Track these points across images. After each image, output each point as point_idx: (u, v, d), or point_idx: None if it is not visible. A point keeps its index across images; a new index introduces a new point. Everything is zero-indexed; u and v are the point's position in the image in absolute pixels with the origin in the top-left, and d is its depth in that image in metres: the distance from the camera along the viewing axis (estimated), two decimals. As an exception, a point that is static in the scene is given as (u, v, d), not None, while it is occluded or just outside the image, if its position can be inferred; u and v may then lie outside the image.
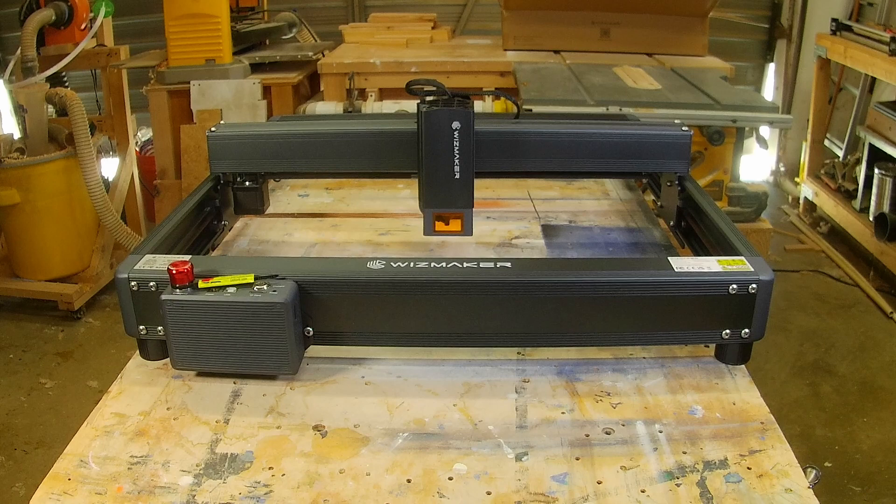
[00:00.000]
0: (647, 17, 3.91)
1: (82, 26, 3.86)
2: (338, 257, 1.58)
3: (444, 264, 1.14)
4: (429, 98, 1.36)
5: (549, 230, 1.72)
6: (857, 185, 4.34)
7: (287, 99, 3.81)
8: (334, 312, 1.14)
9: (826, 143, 4.94)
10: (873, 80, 4.53)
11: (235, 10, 4.09)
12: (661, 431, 1.03)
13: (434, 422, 1.06)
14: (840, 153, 4.75)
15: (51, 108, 3.71)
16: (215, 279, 1.09)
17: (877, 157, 4.06)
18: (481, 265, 1.14)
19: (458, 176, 1.36)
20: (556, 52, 3.94)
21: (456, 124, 1.33)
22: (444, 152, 1.35)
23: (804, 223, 4.88)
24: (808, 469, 0.95)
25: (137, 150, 4.48)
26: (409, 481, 0.94)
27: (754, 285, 1.11)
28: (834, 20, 4.50)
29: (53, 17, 3.75)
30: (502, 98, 3.24)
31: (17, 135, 3.66)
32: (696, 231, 1.48)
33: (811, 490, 0.92)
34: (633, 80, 3.20)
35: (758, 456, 0.98)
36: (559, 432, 1.03)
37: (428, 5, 5.48)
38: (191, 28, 3.71)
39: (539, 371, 1.18)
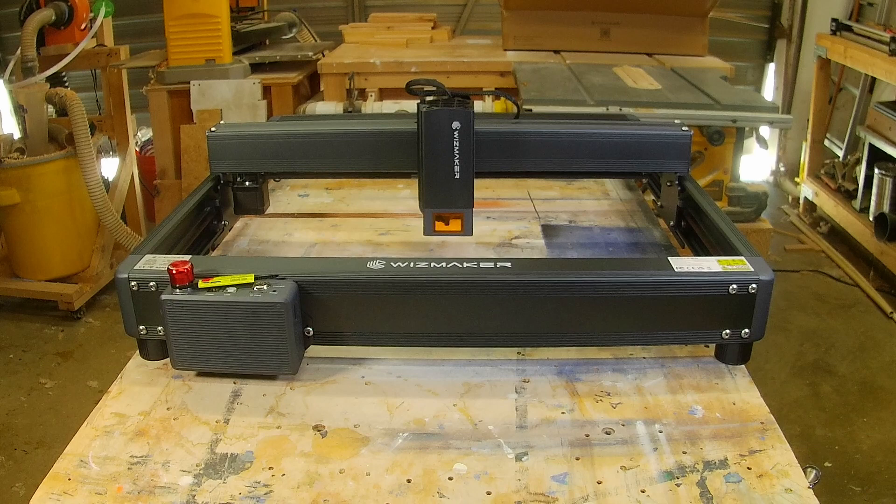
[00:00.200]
0: (647, 17, 3.91)
1: (82, 26, 3.86)
2: (338, 257, 1.58)
3: (444, 264, 1.14)
4: (429, 98, 1.36)
5: (549, 230, 1.72)
6: (857, 185, 4.34)
7: (287, 99, 3.81)
8: (334, 312, 1.14)
9: (826, 143, 4.94)
10: (873, 80, 4.53)
11: (235, 10, 4.09)
12: (661, 431, 1.03)
13: (434, 422, 1.06)
14: (840, 153, 4.75)
15: (51, 108, 3.71)
16: (215, 279, 1.09)
17: (877, 157, 4.06)
18: (481, 265, 1.14)
19: (458, 176, 1.36)
20: (556, 52, 3.94)
21: (456, 124, 1.33)
22: (444, 152, 1.35)
23: (804, 223, 4.88)
24: (808, 469, 0.95)
25: (137, 150, 4.48)
26: (409, 481, 0.94)
27: (754, 285, 1.11)
28: (834, 20, 4.50)
29: (53, 17, 3.75)
30: (502, 98, 3.24)
31: (17, 135, 3.66)
32: (696, 231, 1.48)
33: (811, 490, 0.92)
34: (633, 80, 3.20)
35: (758, 456, 0.98)
36: (559, 432, 1.03)
37: (428, 5, 5.48)
38: (191, 28, 3.71)
39: (539, 371, 1.18)
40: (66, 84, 3.93)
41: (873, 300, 3.89)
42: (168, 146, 3.88)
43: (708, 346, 1.22)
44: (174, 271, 1.07)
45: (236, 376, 1.15)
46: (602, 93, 2.97)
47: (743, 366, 1.18)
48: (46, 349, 3.49)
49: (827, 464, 2.67)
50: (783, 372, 3.28)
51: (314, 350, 1.17)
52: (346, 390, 1.14)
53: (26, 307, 3.80)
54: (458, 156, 1.35)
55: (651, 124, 1.78)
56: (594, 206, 1.88)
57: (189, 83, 3.72)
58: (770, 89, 5.92)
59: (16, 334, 3.62)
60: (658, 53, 3.91)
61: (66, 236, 3.71)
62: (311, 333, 1.14)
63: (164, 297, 1.07)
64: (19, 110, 3.58)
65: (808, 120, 4.89)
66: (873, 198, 4.05)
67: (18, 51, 3.69)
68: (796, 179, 5.18)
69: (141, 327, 1.15)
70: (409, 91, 1.39)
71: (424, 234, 1.43)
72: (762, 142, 3.24)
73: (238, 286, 1.08)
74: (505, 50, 3.99)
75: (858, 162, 4.35)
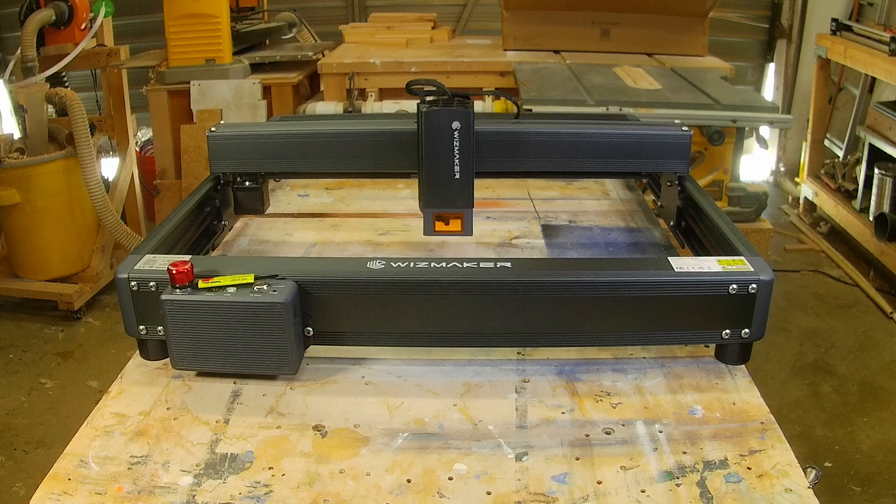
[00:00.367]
0: (647, 17, 3.91)
1: (82, 26, 3.86)
2: (338, 257, 1.58)
3: (444, 264, 1.14)
4: (429, 98, 1.36)
5: (549, 230, 1.72)
6: (857, 185, 4.34)
7: (287, 99, 3.81)
8: (334, 312, 1.14)
9: (826, 143, 4.94)
10: (873, 80, 4.53)
11: (235, 10, 4.09)
12: (661, 431, 1.03)
13: (434, 422, 1.06)
14: (840, 153, 4.75)
15: (51, 108, 3.71)
16: (215, 279, 1.09)
17: (877, 157, 4.06)
18: (481, 265, 1.14)
19: (458, 176, 1.36)
20: (556, 52, 3.94)
21: (456, 124, 1.33)
22: (444, 152, 1.35)
23: (804, 223, 4.88)
24: (808, 469, 0.95)
25: (137, 150, 4.48)
26: (409, 481, 0.94)
27: (754, 285, 1.11)
28: (834, 20, 4.50)
29: (53, 17, 3.75)
30: (502, 98, 3.24)
31: (17, 135, 3.66)
32: (696, 231, 1.48)
33: (811, 490, 0.92)
34: (633, 80, 3.20)
35: (758, 456, 0.98)
36: (559, 432, 1.03)
37: (428, 5, 5.48)
38: (191, 28, 3.71)
39: (539, 371, 1.18)
40: (66, 84, 3.93)
41: (873, 300, 3.89)
42: (168, 146, 3.88)
43: (708, 346, 1.22)
44: (174, 271, 1.07)
45: (236, 376, 1.15)
46: (602, 93, 2.97)
47: (743, 366, 1.18)
48: (46, 349, 3.49)
49: (827, 464, 2.67)
50: (783, 372, 3.28)
51: (314, 350, 1.17)
52: (346, 390, 1.14)
53: (26, 307, 3.80)
54: (458, 156, 1.35)
55: (651, 124, 1.78)
56: (594, 206, 1.88)
57: (189, 83, 3.72)
58: (770, 89, 5.92)
59: (16, 334, 3.62)
60: (658, 53, 3.91)
61: (66, 236, 3.71)
62: (311, 333, 1.14)
63: (164, 297, 1.07)
64: (19, 110, 3.58)
65: (808, 120, 4.89)
66: (873, 198, 4.05)
67: (18, 51, 3.69)
68: (796, 179, 5.18)
69: (141, 327, 1.15)
70: (409, 91, 1.39)
71: (424, 234, 1.43)
72: (762, 142, 3.24)
73: (238, 286, 1.08)
74: (505, 50, 3.99)
75: (858, 162, 4.35)
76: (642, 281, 1.12)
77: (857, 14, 4.91)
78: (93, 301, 3.83)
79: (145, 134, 4.91)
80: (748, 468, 0.95)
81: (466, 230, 1.43)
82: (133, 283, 1.13)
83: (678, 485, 0.93)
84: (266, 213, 1.74)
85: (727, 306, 1.12)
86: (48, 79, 3.70)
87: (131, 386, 1.15)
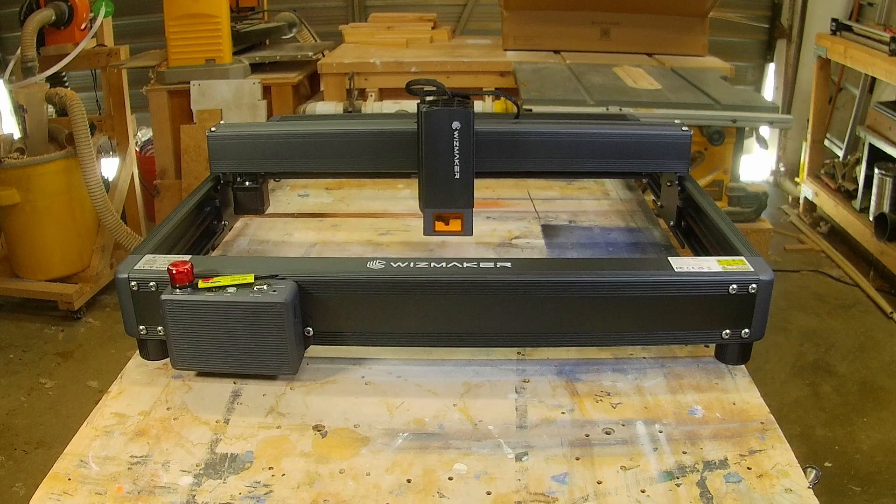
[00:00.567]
0: (647, 17, 3.91)
1: (82, 26, 3.86)
2: (338, 257, 1.58)
3: (444, 264, 1.14)
4: (429, 98, 1.36)
5: (549, 230, 1.72)
6: (857, 185, 4.34)
7: (287, 99, 3.81)
8: (334, 312, 1.14)
9: (826, 143, 4.94)
10: (873, 80, 4.53)
11: (235, 10, 4.09)
12: (661, 431, 1.03)
13: (434, 422, 1.06)
14: (840, 153, 4.75)
15: (51, 108, 3.71)
16: (215, 279, 1.09)
17: (877, 157, 4.06)
18: (481, 265, 1.14)
19: (458, 176, 1.36)
20: (556, 52, 3.94)
21: (456, 124, 1.33)
22: (444, 152, 1.35)
23: (804, 223, 4.88)
24: (808, 469, 0.95)
25: (137, 150, 4.48)
26: (409, 481, 0.94)
27: (754, 285, 1.11)
28: (834, 20, 4.50)
29: (53, 17, 3.75)
30: (502, 98, 3.24)
31: (17, 135, 3.66)
32: (696, 231, 1.48)
33: (811, 490, 0.92)
34: (633, 80, 3.20)
35: (758, 456, 0.98)
36: (559, 432, 1.03)
37: (428, 5, 5.48)
38: (191, 28, 3.71)
39: (539, 371, 1.18)
40: (66, 84, 3.93)
41: (873, 300, 3.89)
42: (168, 146, 3.88)
43: (708, 346, 1.22)
44: (174, 271, 1.07)
45: (236, 376, 1.15)
46: (602, 93, 2.97)
47: (743, 366, 1.18)
48: (46, 349, 3.49)
49: (827, 464, 2.67)
50: (783, 372, 3.28)
51: (314, 350, 1.17)
52: (346, 390, 1.14)
53: (26, 307, 3.80)
54: (458, 156, 1.35)
55: (651, 124, 1.78)
56: (594, 206, 1.88)
57: (189, 83, 3.72)
58: (770, 89, 5.92)
59: (16, 334, 3.62)
60: (658, 53, 3.91)
61: (66, 236, 3.71)
62: (311, 333, 1.14)
63: (164, 297, 1.07)
64: (19, 110, 3.58)
65: (808, 120, 4.89)
66: (873, 198, 4.05)
67: (18, 51, 3.69)
68: (796, 179, 5.18)
69: (141, 327, 1.15)
70: (409, 91, 1.38)
71: (424, 234, 1.43)
72: (762, 142, 3.24)
73: (238, 286, 1.08)
74: (505, 50, 3.99)
75: (858, 162, 4.35)
76: (642, 281, 1.12)
77: (857, 14, 4.91)
78: (93, 301, 3.83)
79: (145, 134, 4.91)
80: (748, 468, 0.95)
81: (466, 230, 1.43)
82: (133, 283, 1.13)
83: (678, 485, 0.93)
84: (266, 213, 1.74)
85: (727, 306, 1.12)
86: (48, 79, 3.70)
87: (131, 386, 1.15)
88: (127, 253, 2.28)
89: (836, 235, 4.61)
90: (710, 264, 1.15)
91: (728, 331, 1.14)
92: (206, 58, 3.74)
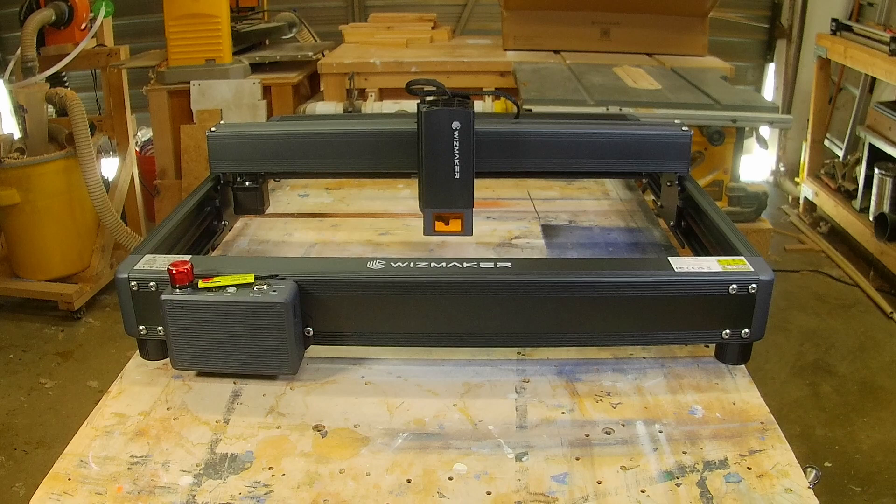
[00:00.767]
0: (647, 17, 3.91)
1: (82, 26, 3.86)
2: (338, 257, 1.58)
3: (444, 264, 1.14)
4: (429, 98, 1.36)
5: (549, 230, 1.72)
6: (857, 185, 4.34)
7: (287, 99, 3.81)
8: (334, 312, 1.14)
9: (826, 143, 4.94)
10: (873, 80, 4.53)
11: (235, 10, 4.09)
12: (661, 431, 1.03)
13: (434, 422, 1.06)
14: (840, 153, 4.75)
15: (51, 108, 3.71)
16: (215, 279, 1.09)
17: (877, 157, 4.06)
18: (481, 265, 1.14)
19: (458, 176, 1.36)
20: (556, 52, 3.94)
21: (456, 124, 1.33)
22: (444, 152, 1.35)
23: (804, 223, 4.88)
24: (808, 469, 0.95)
25: (137, 150, 4.48)
26: (409, 481, 0.94)
27: (754, 285, 1.11)
28: (834, 20, 4.50)
29: (53, 17, 3.75)
30: (502, 98, 3.24)
31: (17, 135, 3.66)
32: (696, 231, 1.48)
33: (811, 490, 0.92)
34: (633, 80, 3.20)
35: (758, 456, 0.98)
36: (559, 432, 1.03)
37: (428, 5, 5.48)
38: (191, 28, 3.71)
39: (539, 371, 1.18)
40: (66, 84, 3.93)
41: (873, 300, 3.89)
42: (168, 146, 3.88)
43: (708, 346, 1.22)
44: (174, 271, 1.07)
45: (236, 376, 1.15)
46: (602, 93, 2.97)
47: (743, 366, 1.18)
48: (46, 349, 3.49)
49: (827, 464, 2.67)
50: (783, 372, 3.28)
51: (314, 350, 1.17)
52: (346, 390, 1.14)
53: (26, 307, 3.80)
54: (458, 156, 1.35)
55: (651, 124, 1.78)
56: (594, 206, 1.88)
57: (189, 83, 3.72)
58: (770, 89, 5.92)
59: (16, 334, 3.62)
60: (658, 53, 3.91)
61: (66, 236, 3.71)
62: (311, 333, 1.14)
63: (164, 297, 1.07)
64: (19, 110, 3.58)
65: (808, 120, 4.89)
66: (873, 198, 4.05)
67: (18, 51, 3.69)
68: (796, 179, 5.18)
69: (141, 327, 1.15)
70: (409, 91, 1.39)
71: (424, 234, 1.43)
72: (762, 142, 3.24)
73: (238, 286, 1.08)
74: (505, 50, 3.99)
75: (858, 162, 4.35)
76: (642, 281, 1.12)
77: (857, 14, 4.91)
78: (93, 301, 3.83)
79: (145, 134, 4.92)
80: (748, 468, 0.95)
81: (466, 230, 1.43)
82: (133, 283, 1.13)
83: (678, 485, 0.93)
84: (266, 213, 1.74)
85: (727, 306, 1.12)
86: (48, 79, 3.70)
87: (131, 386, 1.15)
88: (127, 253, 2.28)
89: (836, 235, 4.61)
90: (710, 264, 1.15)
91: (728, 331, 1.14)
92: (206, 58, 3.74)
